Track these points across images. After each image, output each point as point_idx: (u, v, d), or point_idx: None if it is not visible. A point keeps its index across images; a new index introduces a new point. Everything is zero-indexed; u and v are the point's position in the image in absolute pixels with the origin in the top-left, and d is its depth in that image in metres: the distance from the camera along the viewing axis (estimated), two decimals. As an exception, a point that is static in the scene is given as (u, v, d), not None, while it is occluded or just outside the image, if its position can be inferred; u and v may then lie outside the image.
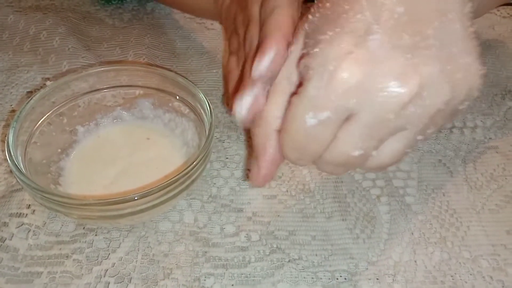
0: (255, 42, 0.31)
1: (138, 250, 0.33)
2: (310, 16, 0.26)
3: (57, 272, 0.31)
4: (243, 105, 0.27)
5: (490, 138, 0.42)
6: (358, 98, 0.23)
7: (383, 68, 0.22)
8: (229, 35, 0.38)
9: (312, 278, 0.31)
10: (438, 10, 0.24)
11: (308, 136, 0.24)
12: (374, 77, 0.22)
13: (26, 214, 0.34)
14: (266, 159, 0.28)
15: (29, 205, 0.35)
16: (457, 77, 0.24)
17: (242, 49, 0.34)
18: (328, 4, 0.25)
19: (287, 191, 0.37)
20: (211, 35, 0.54)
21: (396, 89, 0.22)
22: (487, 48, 0.52)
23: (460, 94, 0.24)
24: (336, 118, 0.23)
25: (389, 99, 0.22)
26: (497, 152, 0.41)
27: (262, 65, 0.27)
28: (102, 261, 0.32)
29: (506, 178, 0.38)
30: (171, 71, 0.38)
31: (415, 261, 0.33)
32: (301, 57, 0.25)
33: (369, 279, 0.31)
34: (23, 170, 0.31)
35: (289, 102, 0.25)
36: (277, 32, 0.28)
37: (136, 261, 0.32)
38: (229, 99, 0.35)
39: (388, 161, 0.26)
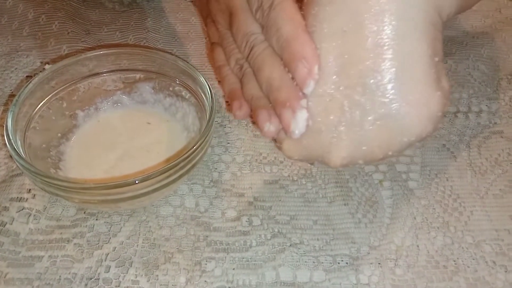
0: (254, 41, 0.29)
1: (139, 235, 0.33)
2: None
3: (58, 256, 0.31)
4: (300, 123, 0.26)
5: (495, 123, 0.41)
6: (304, 161, 0.31)
7: (310, 151, 0.27)
8: (205, 21, 0.37)
9: (314, 262, 0.31)
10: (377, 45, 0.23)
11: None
12: (307, 156, 0.27)
13: (27, 199, 0.34)
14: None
15: (30, 189, 0.35)
16: (388, 141, 0.25)
17: (229, 43, 0.32)
18: None
19: (288, 176, 0.37)
20: (212, 19, 0.53)
21: (327, 164, 0.27)
22: (493, 31, 0.51)
23: (395, 151, 0.25)
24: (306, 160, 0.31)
25: (328, 167, 0.27)
26: (502, 137, 0.40)
27: (312, 84, 0.25)
28: (103, 245, 0.32)
29: (510, 163, 0.38)
30: (171, 55, 0.38)
31: (418, 246, 0.32)
32: None
33: (371, 264, 0.31)
34: (23, 154, 0.31)
35: None
36: (304, 39, 0.26)
37: (137, 245, 0.32)
38: (235, 100, 0.33)
39: None
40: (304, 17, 0.26)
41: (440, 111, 0.24)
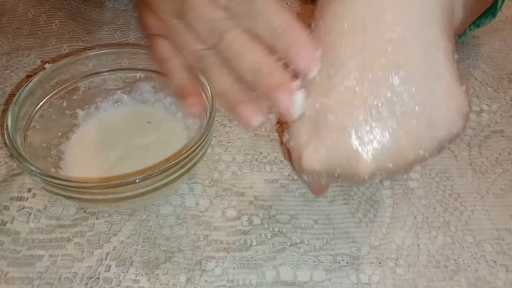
0: (223, 28, 0.27)
1: (140, 234, 0.33)
2: None
3: (58, 255, 0.31)
4: (300, 102, 0.25)
5: (496, 122, 0.41)
6: (329, 171, 0.26)
7: (335, 156, 0.24)
8: (140, 9, 0.32)
9: (314, 261, 0.31)
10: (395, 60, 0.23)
11: (321, 183, 0.28)
12: (331, 162, 0.25)
13: (27, 198, 0.34)
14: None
15: (30, 188, 0.35)
16: (417, 140, 0.23)
17: (181, 32, 0.29)
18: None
19: (289, 175, 0.37)
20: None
21: (353, 171, 0.24)
22: (494, 31, 0.51)
23: (427, 150, 0.24)
24: (322, 177, 0.27)
25: (352, 177, 0.25)
26: (502, 136, 0.40)
27: (315, 70, 0.25)
28: (103, 244, 0.32)
29: (511, 162, 0.38)
30: None
31: (418, 245, 0.32)
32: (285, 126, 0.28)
33: (371, 263, 0.31)
34: (23, 154, 0.31)
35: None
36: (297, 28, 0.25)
37: (138, 244, 0.32)
38: (190, 96, 0.32)
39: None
40: (318, 16, 0.26)
41: (467, 106, 0.23)
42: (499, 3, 0.44)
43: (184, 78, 0.31)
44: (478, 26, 0.47)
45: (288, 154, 0.29)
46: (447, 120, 0.23)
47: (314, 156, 0.25)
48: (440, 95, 0.23)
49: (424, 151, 0.24)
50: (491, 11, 0.45)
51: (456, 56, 0.24)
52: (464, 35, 0.47)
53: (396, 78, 0.23)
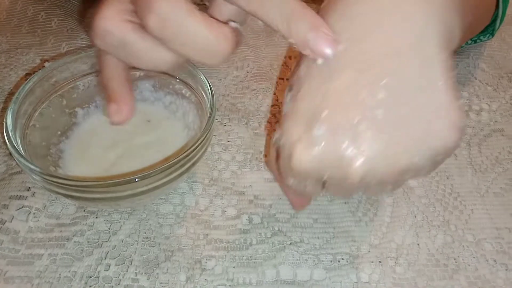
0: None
1: (139, 233, 0.33)
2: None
3: (57, 254, 0.31)
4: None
5: (496, 121, 0.41)
6: (319, 174, 0.25)
7: (327, 155, 0.24)
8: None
9: (314, 260, 0.31)
10: (395, 56, 0.23)
11: (304, 192, 0.27)
12: (322, 162, 0.24)
13: (26, 197, 0.34)
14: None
15: (29, 187, 0.35)
16: (412, 146, 0.23)
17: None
18: (295, 79, 0.26)
19: (289, 174, 0.37)
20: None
21: (343, 174, 0.24)
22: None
23: (421, 159, 0.23)
24: (309, 182, 0.26)
25: (341, 181, 0.24)
26: (502, 135, 0.40)
27: (332, 50, 0.24)
28: (103, 243, 0.32)
29: (511, 161, 0.38)
30: None
31: (418, 244, 0.32)
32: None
33: (371, 262, 0.31)
34: (23, 152, 0.31)
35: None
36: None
37: (137, 243, 0.32)
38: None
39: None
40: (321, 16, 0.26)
41: (462, 121, 0.23)
42: (497, 23, 0.44)
43: (118, 84, 0.29)
44: (475, 42, 0.47)
45: (275, 157, 0.28)
46: (443, 131, 0.23)
47: (305, 153, 0.24)
48: (437, 106, 0.23)
49: (418, 159, 0.23)
50: (489, 29, 0.45)
51: (452, 73, 0.24)
52: (461, 47, 0.48)
53: (396, 84, 0.23)
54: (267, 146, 0.39)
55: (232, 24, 0.26)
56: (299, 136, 0.25)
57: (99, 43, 0.26)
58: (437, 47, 0.23)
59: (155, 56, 0.26)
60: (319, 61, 0.24)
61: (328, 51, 0.24)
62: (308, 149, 0.24)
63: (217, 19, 0.26)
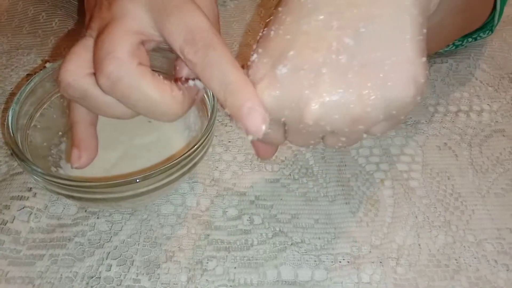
0: None
1: (140, 233, 0.33)
2: (260, 33, 0.27)
3: (59, 255, 0.31)
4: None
5: (497, 122, 0.41)
6: (277, 114, 0.25)
7: (286, 95, 0.24)
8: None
9: (315, 261, 0.31)
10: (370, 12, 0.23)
11: (266, 137, 0.26)
12: (281, 101, 0.24)
13: (28, 197, 0.34)
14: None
15: (31, 188, 0.35)
16: (372, 96, 0.23)
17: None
18: (269, 24, 0.27)
19: (290, 174, 0.37)
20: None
21: (299, 115, 0.24)
22: (494, 31, 0.51)
23: (374, 109, 0.23)
24: (275, 127, 0.26)
25: (297, 123, 0.25)
26: (503, 136, 0.40)
27: (264, 128, 0.24)
28: (104, 244, 0.32)
29: (512, 162, 0.38)
30: (172, 52, 0.37)
31: (419, 245, 0.32)
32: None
33: (372, 263, 0.31)
34: (24, 153, 0.31)
35: None
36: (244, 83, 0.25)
37: (138, 244, 0.32)
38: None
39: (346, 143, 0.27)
40: None
41: (423, 77, 0.24)
42: (496, 19, 0.44)
43: (82, 129, 0.30)
44: (476, 39, 0.47)
45: None
46: (400, 83, 0.23)
47: (266, 91, 0.24)
48: (399, 58, 0.23)
49: (371, 109, 0.23)
50: (488, 26, 0.45)
51: (425, 31, 0.24)
52: (461, 46, 0.48)
53: (363, 30, 0.23)
54: None
55: (191, 82, 0.27)
56: (264, 74, 0.25)
57: (63, 93, 0.27)
58: (411, 2, 0.24)
59: (116, 110, 0.27)
60: (249, 137, 0.24)
61: (256, 129, 0.24)
62: (269, 87, 0.25)
63: (176, 76, 0.27)
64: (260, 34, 0.27)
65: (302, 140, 0.27)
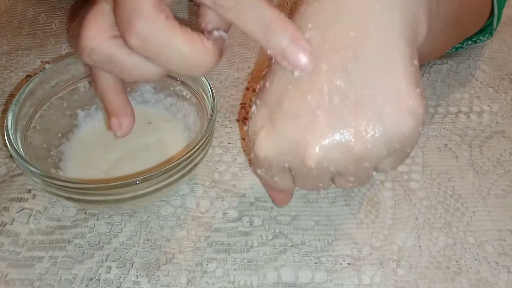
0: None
1: (140, 235, 0.33)
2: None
3: (58, 257, 0.31)
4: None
5: (497, 123, 0.41)
6: (280, 161, 0.26)
7: (285, 142, 0.25)
8: None
9: (315, 263, 0.31)
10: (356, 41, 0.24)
11: (276, 186, 0.28)
12: (281, 148, 0.25)
13: (27, 199, 0.34)
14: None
15: (30, 189, 0.34)
16: (369, 132, 0.23)
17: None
18: (266, 73, 0.27)
19: (290, 176, 0.37)
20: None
21: (301, 159, 0.25)
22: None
23: (374, 144, 0.24)
24: (275, 172, 0.27)
25: (300, 169, 0.25)
26: (504, 137, 0.40)
27: (312, 60, 0.24)
28: (103, 245, 0.32)
29: (512, 163, 0.38)
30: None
31: (420, 246, 0.32)
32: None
33: (373, 264, 0.31)
34: (23, 154, 0.31)
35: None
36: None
37: (138, 245, 0.32)
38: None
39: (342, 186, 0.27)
40: (290, 17, 0.26)
41: (421, 108, 0.24)
42: (495, 23, 0.44)
43: (113, 96, 0.30)
44: (476, 42, 0.47)
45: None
46: (396, 116, 0.23)
47: (265, 141, 0.25)
48: (394, 91, 0.24)
49: (371, 145, 0.24)
50: (488, 29, 0.45)
51: (416, 62, 0.25)
52: (461, 49, 0.48)
53: (352, 70, 0.24)
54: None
55: (215, 33, 0.26)
56: (263, 124, 0.26)
57: (87, 61, 0.26)
58: (397, 34, 0.24)
59: (143, 70, 0.26)
60: (296, 73, 0.24)
61: (305, 63, 0.24)
62: (268, 137, 0.25)
63: (202, 28, 0.26)
64: (258, 86, 0.28)
65: (311, 184, 0.27)
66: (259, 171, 0.28)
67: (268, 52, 0.24)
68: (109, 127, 0.30)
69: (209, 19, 0.27)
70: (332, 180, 0.27)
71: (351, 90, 0.24)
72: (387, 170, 0.26)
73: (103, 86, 0.29)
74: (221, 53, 0.26)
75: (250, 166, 0.36)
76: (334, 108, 0.24)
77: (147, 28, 0.23)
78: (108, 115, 0.29)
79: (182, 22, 0.25)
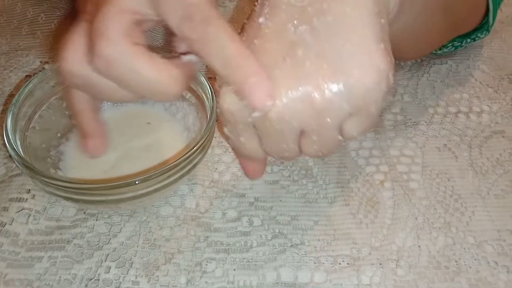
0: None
1: (139, 235, 0.33)
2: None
3: (57, 257, 0.31)
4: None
5: (497, 123, 0.41)
6: (243, 114, 0.25)
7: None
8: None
9: (315, 263, 0.31)
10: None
11: (243, 149, 0.28)
12: (242, 103, 0.24)
13: (26, 199, 0.34)
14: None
15: (29, 189, 0.34)
16: (330, 84, 0.23)
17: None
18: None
19: (289, 176, 0.37)
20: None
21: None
22: (493, 31, 0.51)
23: (335, 97, 0.23)
24: (240, 130, 0.26)
25: (264, 123, 0.25)
26: (503, 137, 0.40)
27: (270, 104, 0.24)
28: (103, 246, 0.32)
29: (512, 163, 0.38)
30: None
31: (419, 246, 0.32)
32: None
33: (372, 264, 0.31)
34: (22, 154, 0.31)
35: None
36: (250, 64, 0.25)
37: (137, 245, 0.32)
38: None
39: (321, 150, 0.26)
40: None
41: (385, 63, 0.23)
42: (491, 19, 0.44)
43: (87, 117, 0.30)
44: (474, 40, 0.47)
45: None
46: (358, 70, 0.23)
47: (228, 93, 0.25)
48: (354, 44, 0.23)
49: (332, 97, 0.23)
50: (485, 26, 0.46)
51: (383, 21, 0.24)
52: (461, 47, 0.48)
53: (317, 24, 0.24)
54: None
55: (185, 58, 0.26)
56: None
57: (65, 83, 0.27)
58: None
59: (118, 93, 0.26)
60: (255, 114, 0.24)
61: (261, 104, 0.24)
62: (230, 89, 0.25)
63: (174, 52, 0.27)
64: None
65: (276, 145, 0.26)
66: (225, 130, 0.27)
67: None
68: (83, 146, 0.30)
69: (179, 43, 0.27)
70: (299, 146, 0.26)
71: (315, 43, 0.23)
72: (354, 135, 0.25)
73: (78, 105, 0.29)
74: (190, 78, 0.27)
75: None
76: (297, 60, 0.23)
77: (110, 51, 0.24)
78: (83, 135, 0.30)
79: (156, 49, 0.25)
